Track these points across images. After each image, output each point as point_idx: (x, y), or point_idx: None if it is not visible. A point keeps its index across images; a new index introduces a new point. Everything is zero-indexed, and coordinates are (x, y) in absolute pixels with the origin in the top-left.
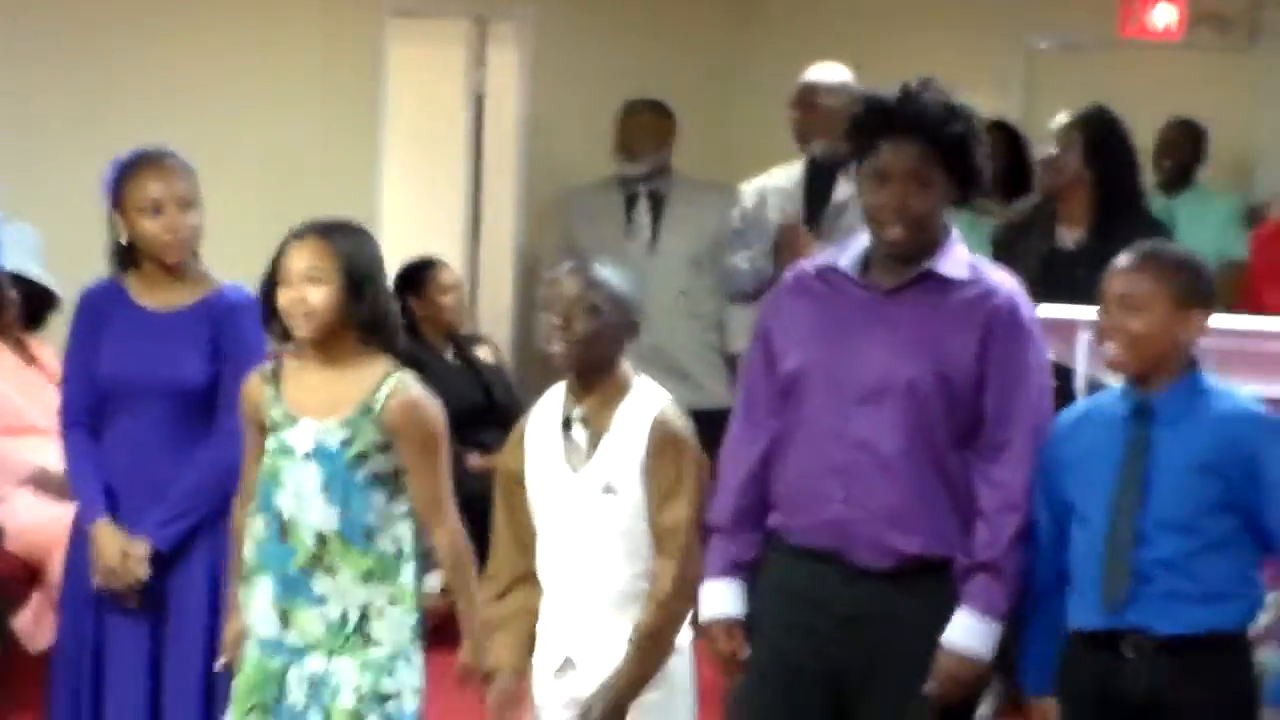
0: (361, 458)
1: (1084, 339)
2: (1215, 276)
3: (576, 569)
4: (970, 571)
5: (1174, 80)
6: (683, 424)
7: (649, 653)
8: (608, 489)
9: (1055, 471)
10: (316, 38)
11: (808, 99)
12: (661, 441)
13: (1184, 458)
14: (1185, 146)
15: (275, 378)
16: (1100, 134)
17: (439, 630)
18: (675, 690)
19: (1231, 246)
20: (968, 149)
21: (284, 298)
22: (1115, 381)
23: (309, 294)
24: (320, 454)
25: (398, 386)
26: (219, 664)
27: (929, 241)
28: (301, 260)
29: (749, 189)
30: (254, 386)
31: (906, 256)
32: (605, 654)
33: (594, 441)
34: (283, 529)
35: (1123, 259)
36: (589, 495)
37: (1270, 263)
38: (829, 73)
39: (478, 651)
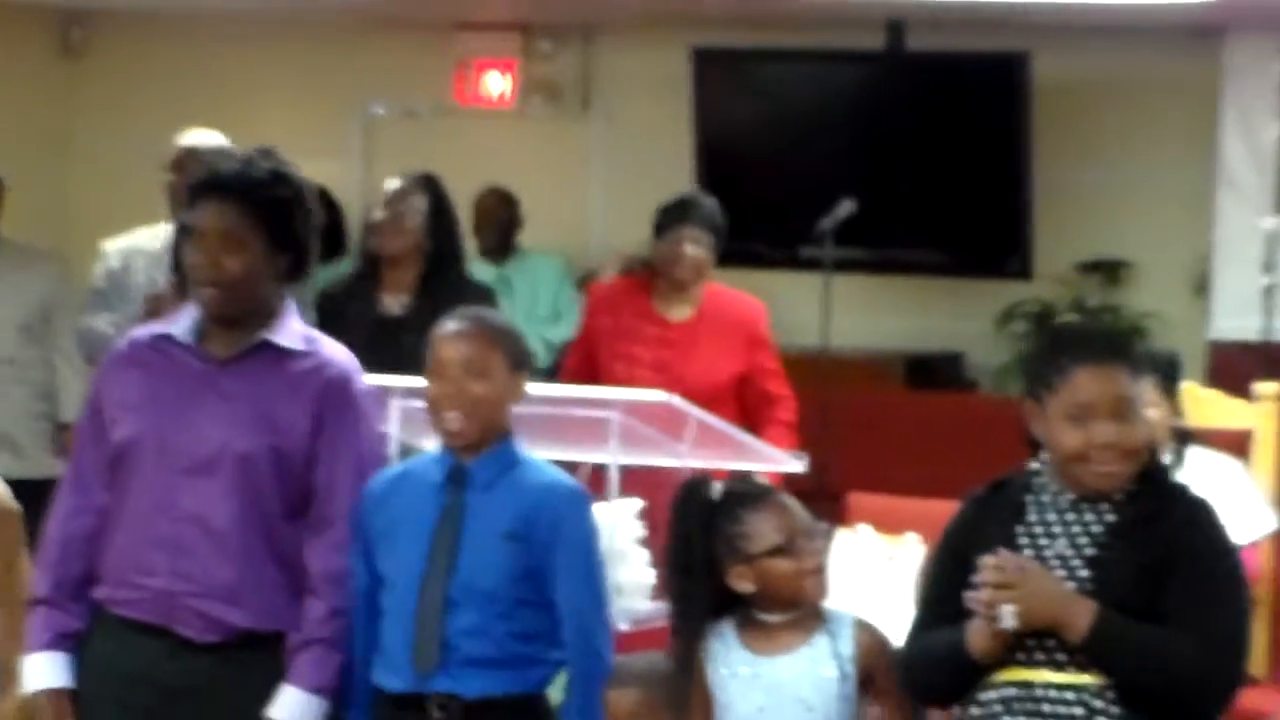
0: None
1: (397, 405)
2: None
3: None
4: (298, 647)
5: (510, 147)
6: (5, 496)
7: None
8: None
9: (369, 539)
10: None
11: (183, 163)
12: None
13: (494, 524)
14: (502, 213)
15: None
16: (436, 200)
17: None
18: None
19: (568, 309)
20: (291, 217)
21: None
22: (429, 446)
23: None
24: None
25: None
26: None
27: (253, 308)
28: None
29: (113, 248)
30: None
31: (230, 321)
32: None
33: None
34: None
35: (452, 325)
36: None
37: (603, 322)
38: (205, 138)
39: None
